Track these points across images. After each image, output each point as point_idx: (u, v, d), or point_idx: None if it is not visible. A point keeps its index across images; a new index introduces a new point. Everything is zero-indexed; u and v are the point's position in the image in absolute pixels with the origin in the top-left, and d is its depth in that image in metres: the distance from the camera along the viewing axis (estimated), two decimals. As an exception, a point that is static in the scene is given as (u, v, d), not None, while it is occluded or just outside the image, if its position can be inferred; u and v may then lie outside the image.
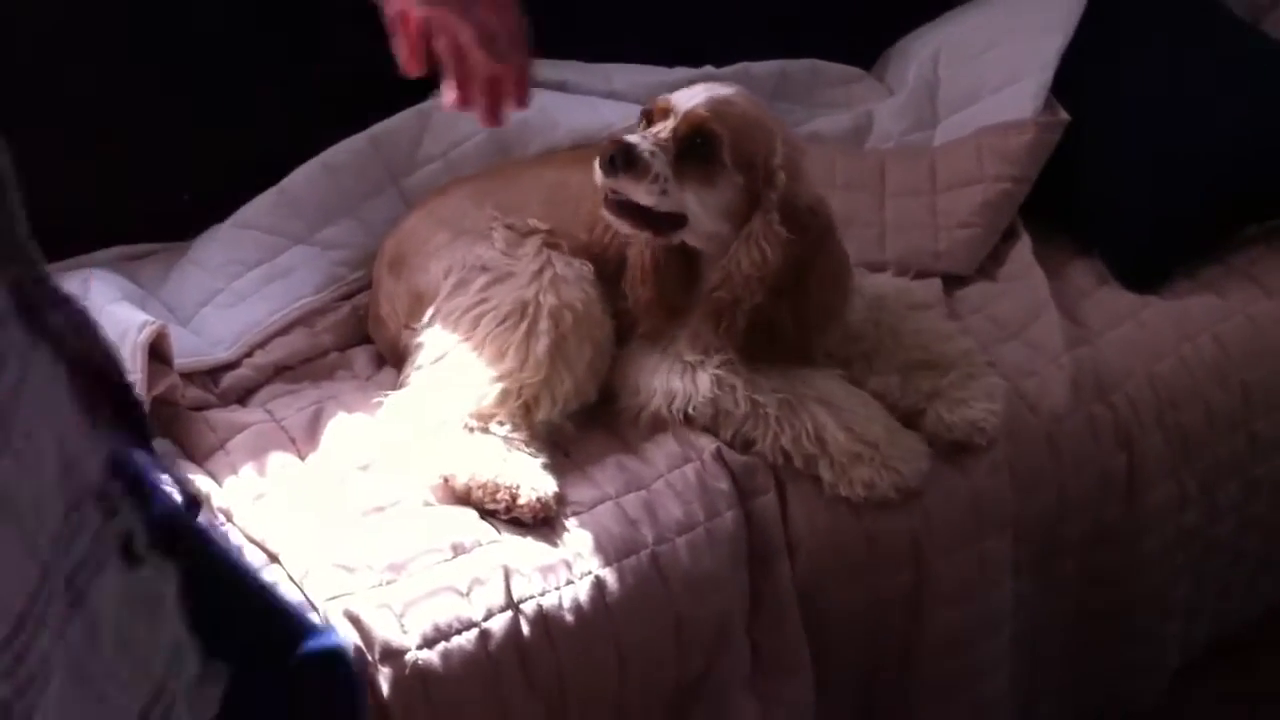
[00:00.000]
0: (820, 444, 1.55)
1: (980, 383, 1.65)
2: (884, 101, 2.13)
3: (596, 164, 1.52)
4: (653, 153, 1.50)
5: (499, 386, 1.55)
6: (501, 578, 1.44)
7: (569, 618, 1.45)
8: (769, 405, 1.56)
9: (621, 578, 1.48)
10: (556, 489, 1.52)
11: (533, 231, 1.67)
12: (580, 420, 1.64)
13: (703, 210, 1.54)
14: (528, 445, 1.55)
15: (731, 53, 2.09)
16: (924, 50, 2.14)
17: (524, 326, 1.57)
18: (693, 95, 1.55)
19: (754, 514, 1.56)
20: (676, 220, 1.54)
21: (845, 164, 1.97)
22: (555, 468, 1.56)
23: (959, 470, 1.64)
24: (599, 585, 1.47)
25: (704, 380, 1.57)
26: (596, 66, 2.03)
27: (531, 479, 1.51)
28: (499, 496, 1.49)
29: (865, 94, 2.16)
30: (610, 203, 1.53)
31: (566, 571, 1.47)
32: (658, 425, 1.61)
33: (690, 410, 1.58)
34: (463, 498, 1.51)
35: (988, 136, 1.97)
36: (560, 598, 1.45)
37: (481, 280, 1.63)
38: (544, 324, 1.57)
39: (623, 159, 1.49)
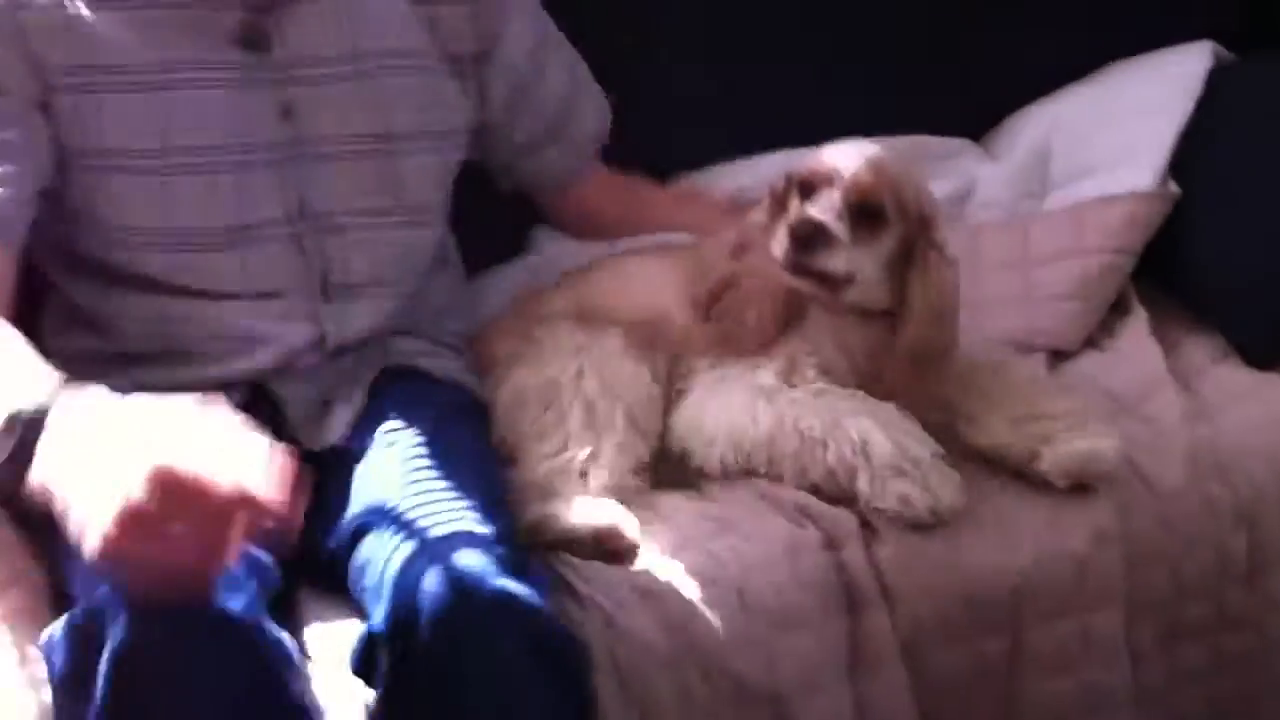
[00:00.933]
0: (865, 456, 1.52)
1: (1095, 426, 1.61)
2: (989, 167, 2.11)
3: (784, 239, 1.55)
4: (836, 224, 1.54)
5: (548, 466, 1.55)
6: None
7: (660, 648, 1.42)
8: (815, 428, 1.54)
9: (708, 611, 1.44)
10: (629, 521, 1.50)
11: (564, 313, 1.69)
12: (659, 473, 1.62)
13: (873, 267, 1.58)
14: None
15: (832, 130, 2.08)
16: (1036, 125, 2.11)
17: (554, 405, 1.58)
18: (848, 158, 1.58)
19: (846, 564, 1.51)
20: (850, 278, 1.58)
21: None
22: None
23: (1063, 535, 1.58)
24: (688, 614, 1.44)
25: (764, 418, 1.56)
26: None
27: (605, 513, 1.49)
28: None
29: (970, 165, 2.13)
30: (798, 269, 1.56)
31: (655, 604, 1.44)
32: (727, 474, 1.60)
33: (749, 452, 1.57)
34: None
35: (1089, 209, 1.94)
36: (648, 629, 1.42)
37: (518, 370, 1.64)
38: (567, 398, 1.57)
39: (821, 239, 1.53)
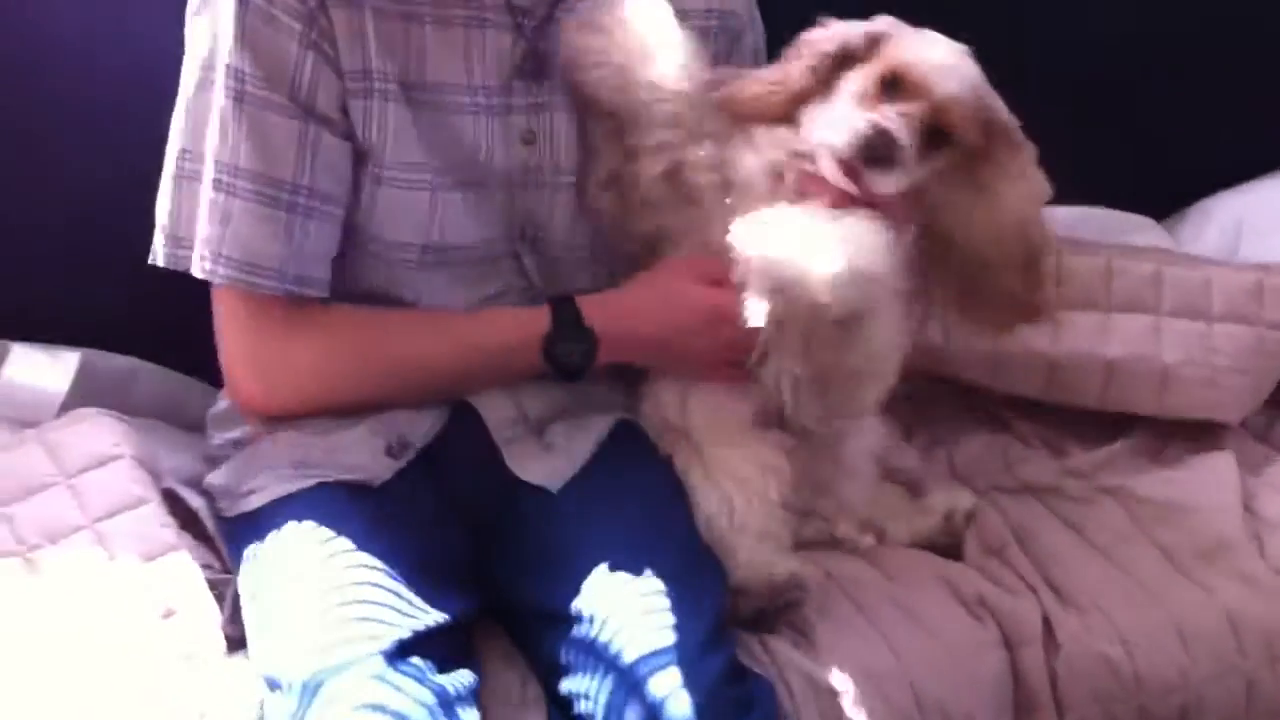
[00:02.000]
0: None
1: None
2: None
3: (842, 141, 1.40)
4: (909, 147, 1.40)
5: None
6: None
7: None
8: None
9: (882, 707, 1.43)
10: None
11: None
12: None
13: (922, 178, 1.45)
14: None
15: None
16: (1226, 213, 2.09)
17: None
18: (943, 67, 1.42)
19: (1022, 667, 1.50)
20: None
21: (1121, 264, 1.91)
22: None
23: (1241, 653, 1.56)
24: (862, 710, 1.43)
25: None
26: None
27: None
28: None
29: (1156, 243, 2.09)
30: (847, 172, 1.43)
31: (830, 700, 1.43)
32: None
33: None
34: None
35: (1273, 275, 1.88)
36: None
37: None
38: None
39: (892, 160, 1.40)
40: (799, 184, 1.47)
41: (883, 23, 1.48)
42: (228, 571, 1.48)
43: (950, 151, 1.45)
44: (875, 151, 1.40)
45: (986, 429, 1.90)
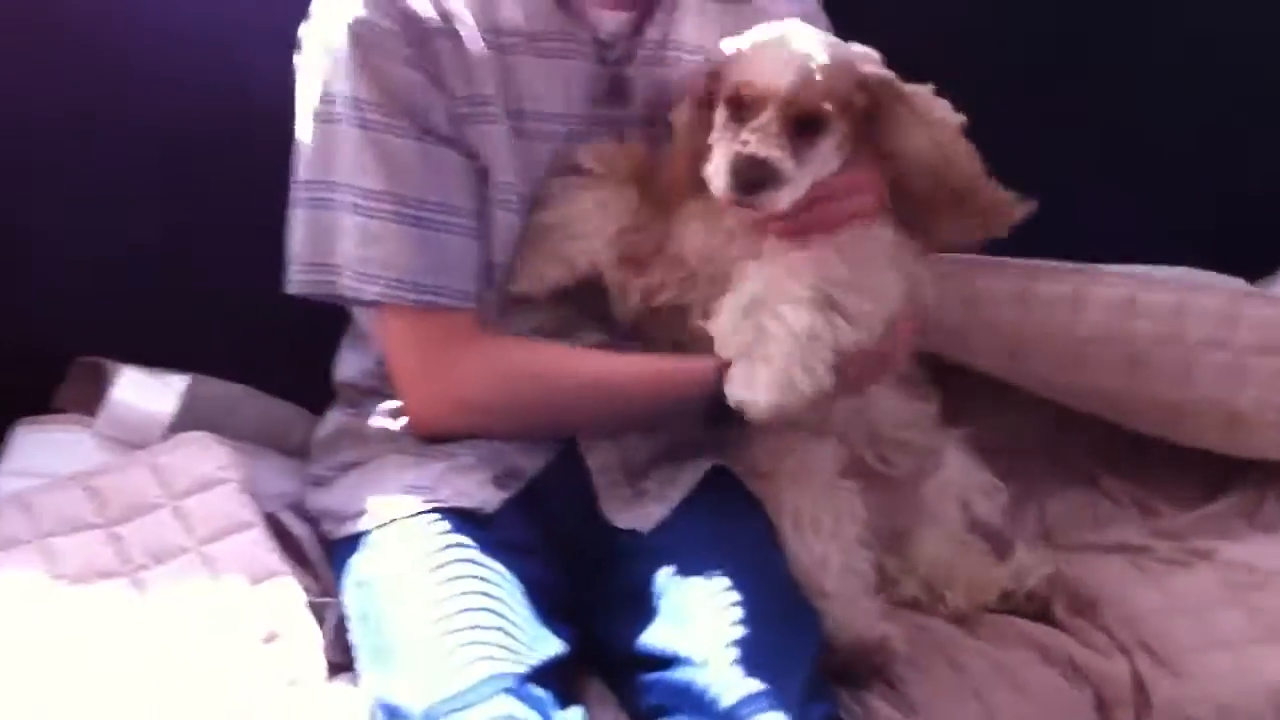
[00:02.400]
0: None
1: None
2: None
3: (720, 183, 1.40)
4: (783, 159, 1.40)
5: None
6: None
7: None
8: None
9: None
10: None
11: None
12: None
13: (820, 170, 1.44)
14: None
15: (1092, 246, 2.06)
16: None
17: None
18: (776, 70, 1.41)
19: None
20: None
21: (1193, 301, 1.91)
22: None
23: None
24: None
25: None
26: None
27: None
28: None
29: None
30: (741, 205, 1.42)
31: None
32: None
33: None
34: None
35: None
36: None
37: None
38: None
39: (769, 179, 1.39)
40: (750, 235, 1.48)
41: (727, 48, 1.48)
42: (327, 594, 1.50)
43: (833, 132, 1.43)
44: (749, 178, 1.39)
45: (1077, 485, 1.90)
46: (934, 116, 1.49)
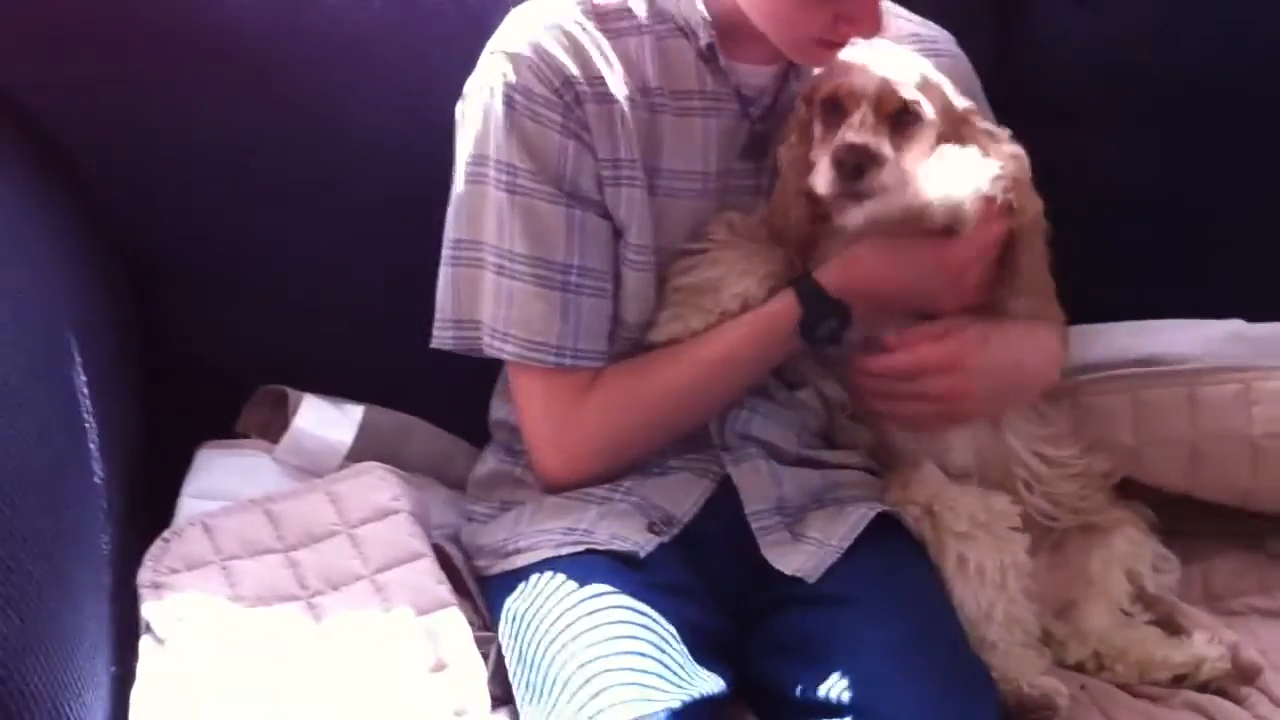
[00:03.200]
0: None
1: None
2: None
3: (828, 170, 1.47)
4: (878, 141, 1.47)
5: None
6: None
7: None
8: None
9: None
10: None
11: None
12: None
13: (913, 159, 1.50)
14: None
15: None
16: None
17: None
18: (865, 69, 1.50)
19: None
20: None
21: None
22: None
23: None
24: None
25: None
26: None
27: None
28: None
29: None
30: (851, 196, 1.49)
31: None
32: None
33: None
34: None
35: None
36: None
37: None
38: None
39: (869, 163, 1.46)
40: None
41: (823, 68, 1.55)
42: (487, 628, 1.54)
43: (923, 128, 1.50)
44: (851, 168, 1.46)
45: (1240, 546, 1.86)
46: (1006, 152, 1.55)
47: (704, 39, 1.57)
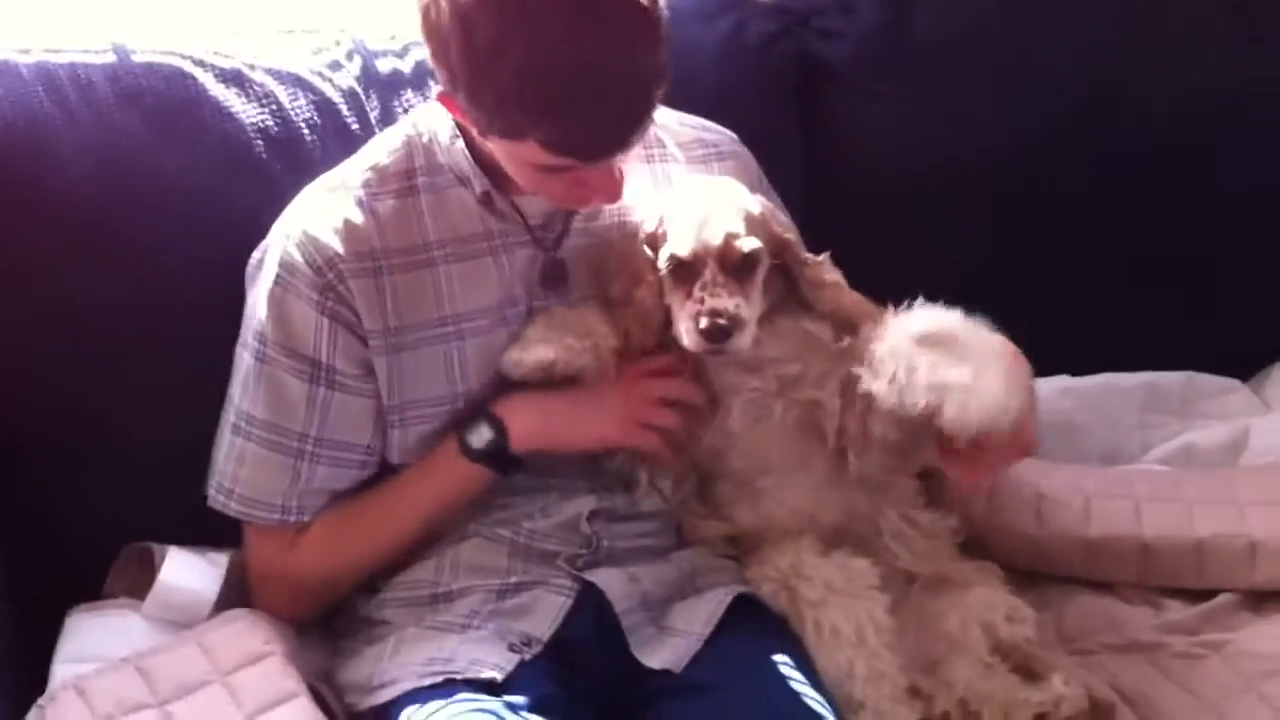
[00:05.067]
0: None
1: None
2: (1263, 417, 2.10)
3: (692, 340, 1.59)
4: (739, 305, 1.59)
5: None
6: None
7: None
8: None
9: None
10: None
11: None
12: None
13: (758, 301, 1.64)
14: None
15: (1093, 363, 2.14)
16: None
17: None
18: (703, 225, 1.60)
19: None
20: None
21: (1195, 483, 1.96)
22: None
23: None
24: None
25: None
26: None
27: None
28: None
29: (1242, 407, 2.14)
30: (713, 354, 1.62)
31: None
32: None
33: None
34: None
35: None
36: None
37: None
38: None
39: (734, 326, 1.58)
40: None
41: (651, 214, 1.67)
42: (365, 762, 1.55)
43: (761, 268, 1.63)
44: (717, 331, 1.58)
45: (1089, 589, 1.93)
46: (826, 280, 1.69)
47: (478, 187, 1.64)
